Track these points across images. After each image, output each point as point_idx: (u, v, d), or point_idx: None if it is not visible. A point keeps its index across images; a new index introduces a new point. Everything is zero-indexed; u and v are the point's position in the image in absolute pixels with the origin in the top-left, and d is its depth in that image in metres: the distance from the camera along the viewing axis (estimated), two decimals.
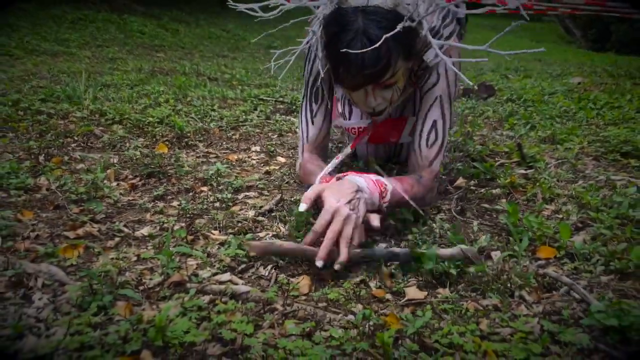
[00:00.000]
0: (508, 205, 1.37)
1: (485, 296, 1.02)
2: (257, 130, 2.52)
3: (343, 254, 1.06)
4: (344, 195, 1.13)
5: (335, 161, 1.43)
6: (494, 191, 1.64)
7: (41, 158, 1.86)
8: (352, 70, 1.20)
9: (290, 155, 2.11)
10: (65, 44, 6.12)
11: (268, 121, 2.73)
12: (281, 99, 3.31)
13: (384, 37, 1.09)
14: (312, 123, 1.52)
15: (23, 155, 1.90)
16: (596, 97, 3.32)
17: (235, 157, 2.05)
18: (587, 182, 1.71)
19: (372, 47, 1.10)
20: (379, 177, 1.27)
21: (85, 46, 6.34)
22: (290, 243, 0.96)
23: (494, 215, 1.47)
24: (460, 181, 1.74)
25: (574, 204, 1.50)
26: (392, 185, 1.27)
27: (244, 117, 2.72)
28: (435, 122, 1.39)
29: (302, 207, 1.14)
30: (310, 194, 1.16)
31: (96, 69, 4.41)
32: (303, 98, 1.55)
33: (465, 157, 2.01)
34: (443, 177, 1.77)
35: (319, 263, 1.04)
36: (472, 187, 1.70)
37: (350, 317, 0.94)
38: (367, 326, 0.89)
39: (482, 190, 1.66)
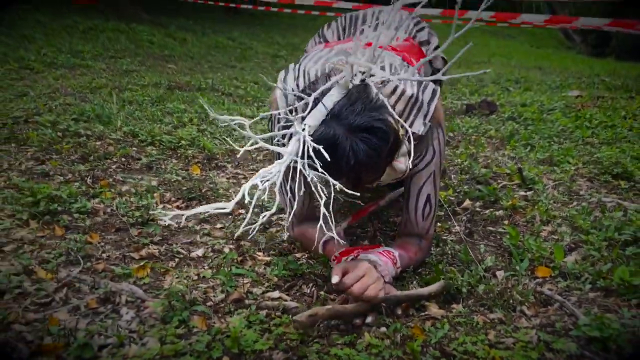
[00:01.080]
0: (510, 229, 1.58)
1: (492, 310, 1.23)
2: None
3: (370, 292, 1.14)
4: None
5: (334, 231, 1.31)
6: (497, 213, 1.86)
7: (89, 180, 2.08)
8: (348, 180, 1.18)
9: None
10: (80, 56, 6.33)
11: None
12: None
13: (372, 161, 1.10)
14: (294, 197, 1.38)
15: (71, 177, 2.11)
16: (591, 115, 3.53)
17: None
18: (581, 204, 1.92)
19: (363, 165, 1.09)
20: (385, 247, 1.35)
21: (99, 57, 6.55)
22: (328, 308, 1.11)
23: (498, 237, 1.68)
24: (467, 203, 1.96)
25: (568, 226, 1.72)
26: (397, 251, 1.34)
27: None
28: (429, 196, 1.41)
29: (335, 279, 1.17)
30: (338, 270, 1.20)
31: (114, 83, 4.63)
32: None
33: (471, 179, 2.23)
34: (451, 198, 1.98)
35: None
36: (477, 209, 1.91)
37: (383, 329, 1.15)
38: (398, 337, 1.10)
39: (487, 211, 1.87)
